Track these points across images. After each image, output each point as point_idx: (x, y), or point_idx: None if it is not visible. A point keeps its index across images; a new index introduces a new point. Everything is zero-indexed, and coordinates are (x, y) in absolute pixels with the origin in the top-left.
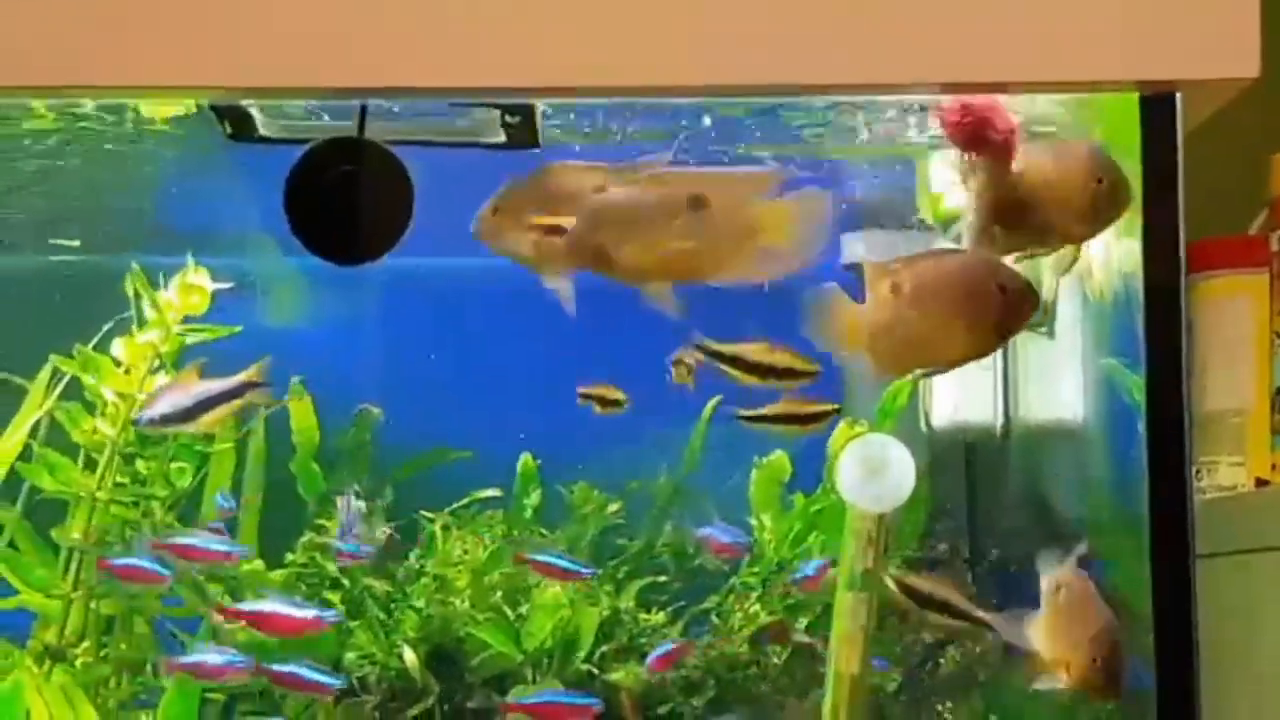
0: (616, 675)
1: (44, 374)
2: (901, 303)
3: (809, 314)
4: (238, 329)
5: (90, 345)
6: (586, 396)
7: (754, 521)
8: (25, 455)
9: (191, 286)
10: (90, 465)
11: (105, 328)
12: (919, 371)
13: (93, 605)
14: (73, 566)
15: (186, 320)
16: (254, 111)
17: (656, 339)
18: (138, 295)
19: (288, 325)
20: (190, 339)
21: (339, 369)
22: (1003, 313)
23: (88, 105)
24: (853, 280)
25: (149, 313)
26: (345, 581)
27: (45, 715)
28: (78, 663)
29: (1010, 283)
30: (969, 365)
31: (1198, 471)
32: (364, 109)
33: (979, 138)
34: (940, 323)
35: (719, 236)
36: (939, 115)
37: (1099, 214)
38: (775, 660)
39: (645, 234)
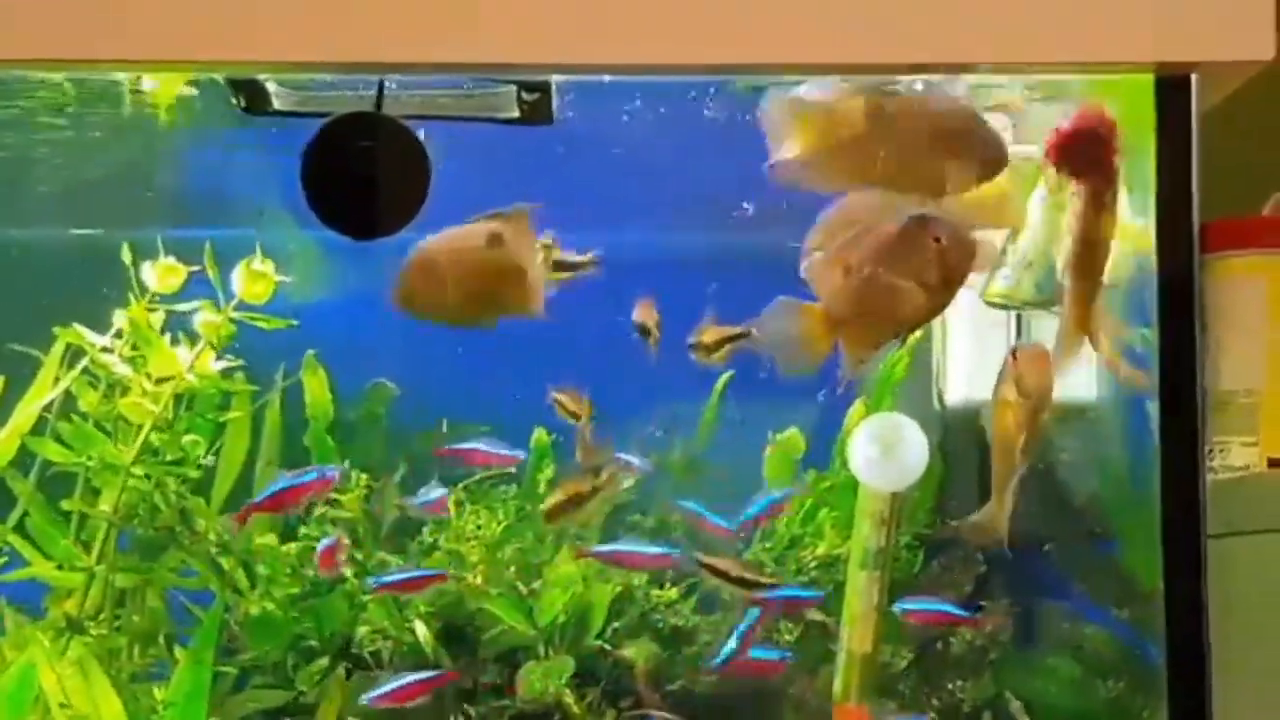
0: (628, 651)
1: (58, 348)
2: (854, 281)
3: (772, 343)
4: (295, 322)
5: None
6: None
7: None
8: (39, 429)
9: (257, 274)
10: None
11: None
12: (892, 342)
13: (109, 578)
14: (98, 539)
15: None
16: (269, 85)
17: (673, 314)
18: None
19: (303, 298)
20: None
21: (354, 343)
22: (943, 264)
23: (104, 79)
24: None
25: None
26: (358, 555)
27: (58, 689)
28: (92, 635)
29: (945, 233)
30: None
31: (1210, 452)
32: (381, 84)
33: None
34: (892, 288)
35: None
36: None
37: None
38: (787, 638)
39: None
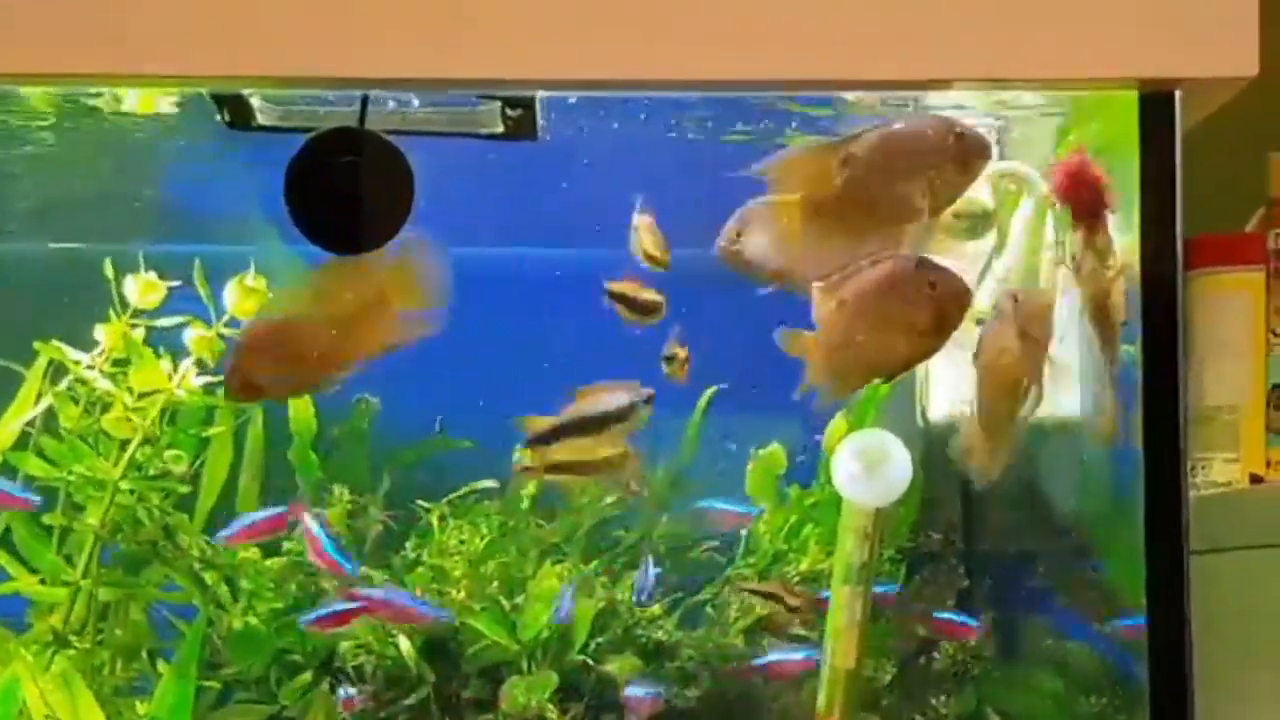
0: (612, 665)
1: (41, 362)
2: (846, 316)
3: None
4: None
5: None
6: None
7: None
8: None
9: (249, 291)
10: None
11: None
12: (876, 381)
13: (93, 592)
14: (81, 554)
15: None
16: (253, 100)
17: (654, 330)
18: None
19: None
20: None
21: None
22: (936, 309)
23: (86, 93)
24: None
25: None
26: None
27: (42, 703)
28: (76, 649)
29: (940, 278)
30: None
31: (1192, 468)
32: (365, 99)
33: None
34: (881, 329)
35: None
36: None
37: None
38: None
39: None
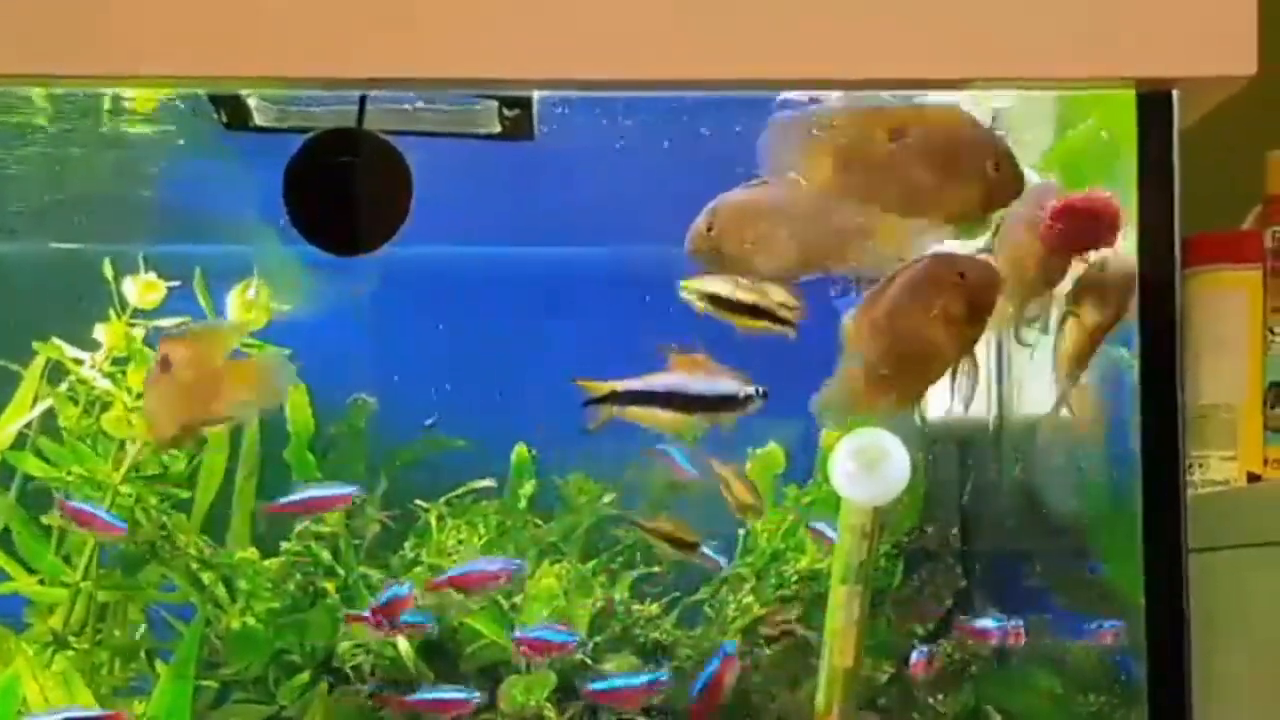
0: (610, 666)
1: (39, 362)
2: (884, 337)
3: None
4: (287, 351)
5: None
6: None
7: None
8: (19, 443)
9: (250, 303)
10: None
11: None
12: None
13: (93, 593)
14: (81, 555)
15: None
16: (250, 101)
17: (654, 330)
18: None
19: (284, 313)
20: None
21: (335, 358)
22: (971, 297)
23: (84, 94)
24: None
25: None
26: (340, 570)
27: (42, 701)
28: (75, 650)
29: (970, 268)
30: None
31: (1189, 466)
32: (363, 100)
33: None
34: (923, 333)
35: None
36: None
37: None
38: (767, 651)
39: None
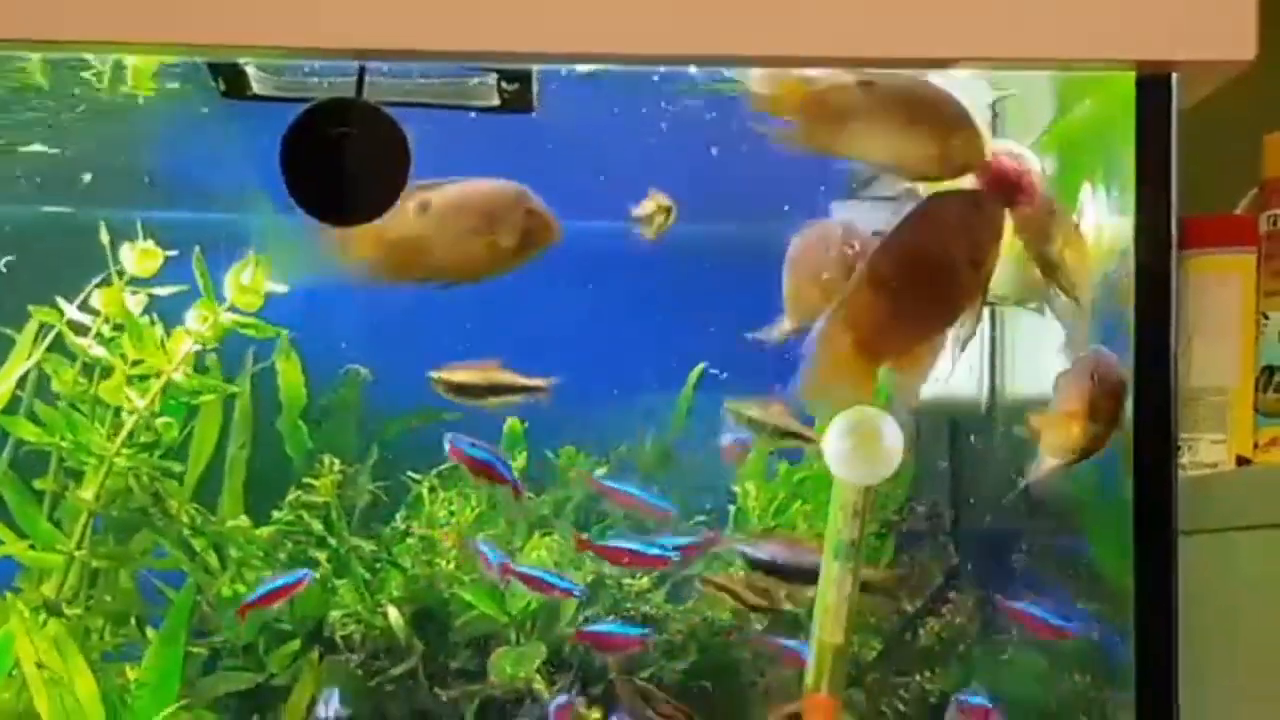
0: None
1: (31, 327)
2: (888, 294)
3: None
4: (285, 330)
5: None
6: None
7: (738, 489)
8: (12, 408)
9: (247, 286)
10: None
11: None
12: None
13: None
14: (75, 522)
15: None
16: (248, 69)
17: (644, 305)
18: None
19: (278, 283)
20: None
21: (329, 328)
22: (992, 229)
23: (82, 59)
24: None
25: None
26: (332, 540)
27: (34, 662)
28: (68, 615)
29: (979, 199)
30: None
31: (1179, 448)
32: (362, 70)
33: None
34: (940, 275)
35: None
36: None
37: None
38: (757, 626)
39: None
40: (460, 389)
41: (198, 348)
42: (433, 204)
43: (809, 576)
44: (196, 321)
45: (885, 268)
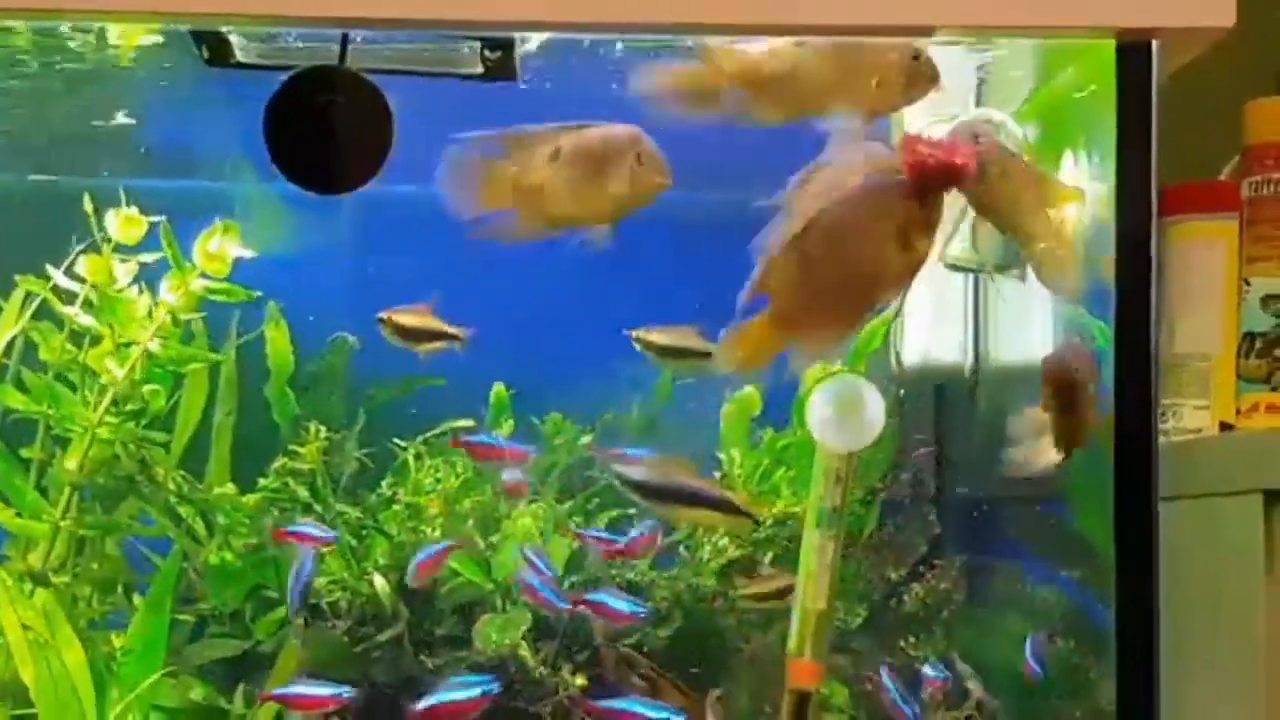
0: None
1: (17, 295)
2: (818, 270)
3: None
4: (257, 293)
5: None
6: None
7: (723, 456)
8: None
9: (211, 256)
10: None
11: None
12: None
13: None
14: (60, 490)
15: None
16: (232, 37)
17: (632, 273)
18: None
19: (265, 251)
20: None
21: (316, 296)
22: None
23: (66, 28)
24: None
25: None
26: (317, 507)
27: (20, 631)
28: (55, 584)
29: (906, 190)
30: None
31: (1162, 414)
32: (345, 38)
33: (948, 174)
34: (872, 251)
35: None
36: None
37: None
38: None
39: None
40: (403, 331)
41: (168, 317)
42: (562, 150)
43: (679, 498)
44: (168, 290)
45: (811, 244)
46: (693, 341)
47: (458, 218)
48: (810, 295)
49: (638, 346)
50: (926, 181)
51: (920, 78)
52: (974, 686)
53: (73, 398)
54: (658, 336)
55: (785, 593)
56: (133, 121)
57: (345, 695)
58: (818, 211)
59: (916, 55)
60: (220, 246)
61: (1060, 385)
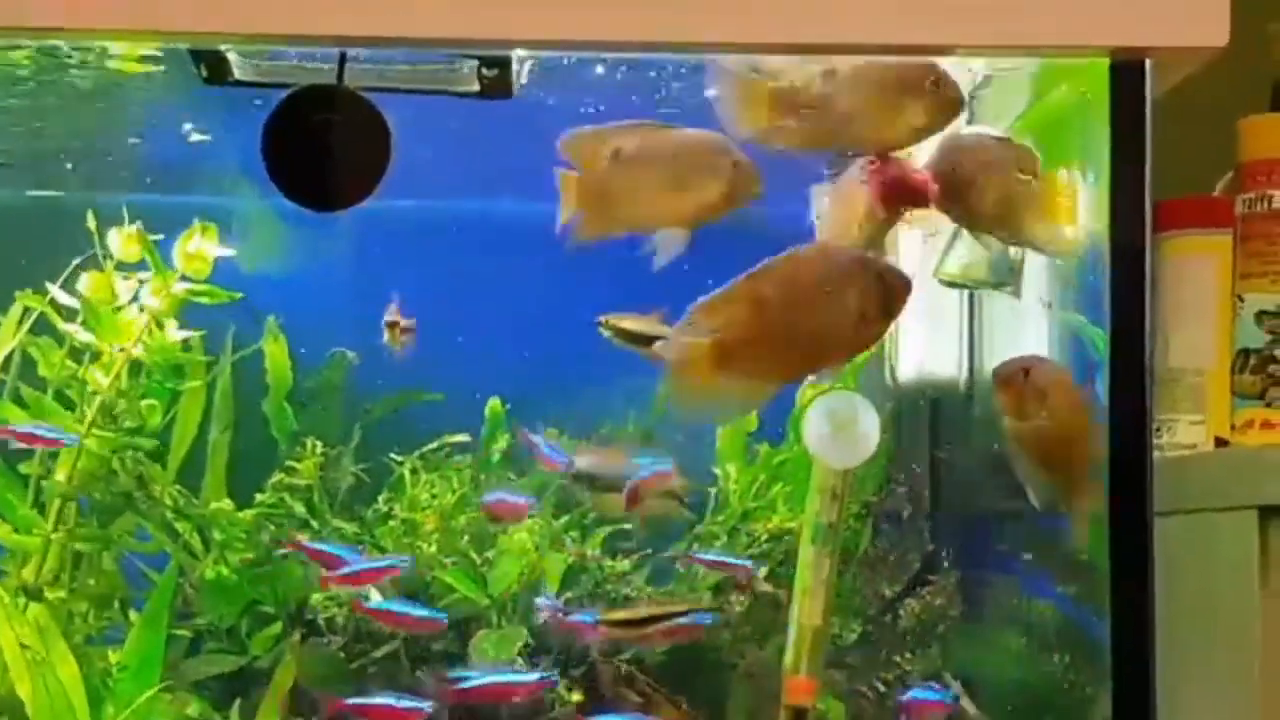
0: None
1: (15, 310)
2: (770, 314)
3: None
4: (239, 295)
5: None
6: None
7: (719, 471)
8: None
9: (191, 256)
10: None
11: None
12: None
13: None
14: (54, 505)
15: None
16: (230, 55)
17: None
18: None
19: (264, 267)
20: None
21: (314, 311)
22: (883, 302)
23: (65, 46)
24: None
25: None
26: (314, 523)
27: (17, 648)
28: (50, 599)
29: (887, 272)
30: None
31: (1157, 428)
32: (343, 56)
33: (906, 193)
34: (825, 321)
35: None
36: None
37: None
38: (737, 608)
39: None
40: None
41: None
42: (624, 151)
43: (615, 486)
44: (150, 295)
45: (767, 289)
46: (658, 328)
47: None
48: (753, 337)
49: (605, 334)
50: (888, 200)
51: (947, 104)
52: (966, 704)
53: (62, 411)
54: (629, 323)
55: (650, 621)
56: (132, 139)
57: (425, 709)
58: (787, 255)
59: (937, 81)
60: (199, 247)
61: (1011, 391)
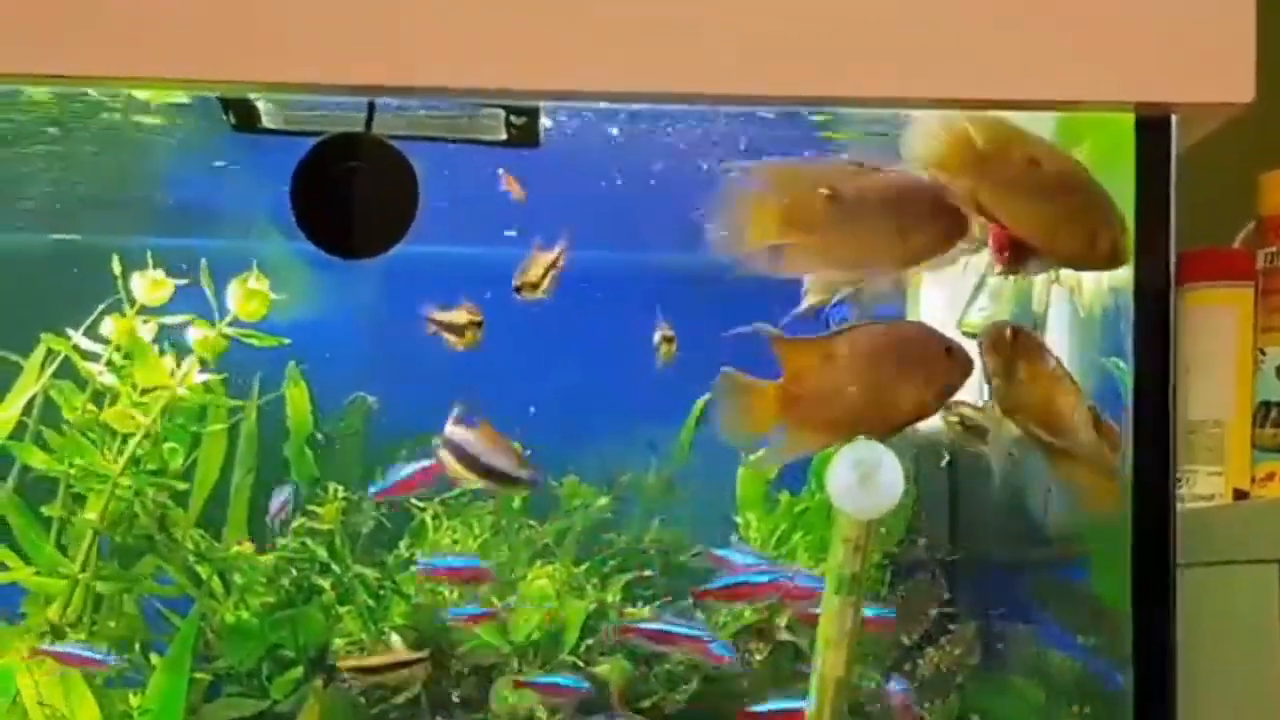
0: (602, 668)
1: (38, 353)
2: (837, 373)
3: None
4: (287, 341)
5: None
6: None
7: (739, 519)
8: (17, 435)
9: (253, 292)
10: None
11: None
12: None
13: (91, 585)
14: (79, 546)
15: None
16: (259, 103)
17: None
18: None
19: (287, 312)
20: (239, 339)
21: (336, 356)
22: (948, 378)
23: (92, 93)
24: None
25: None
26: (335, 567)
27: (35, 695)
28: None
29: (957, 349)
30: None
31: (1176, 480)
32: (372, 105)
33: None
34: (889, 388)
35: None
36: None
37: None
38: (758, 657)
39: None
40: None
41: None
42: (841, 194)
43: (497, 477)
44: (197, 335)
45: (844, 349)
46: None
47: (722, 252)
48: (821, 390)
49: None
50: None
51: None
52: None
53: (94, 450)
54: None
55: (390, 669)
56: (159, 186)
57: None
58: (869, 320)
59: None
60: (257, 285)
61: (999, 353)
